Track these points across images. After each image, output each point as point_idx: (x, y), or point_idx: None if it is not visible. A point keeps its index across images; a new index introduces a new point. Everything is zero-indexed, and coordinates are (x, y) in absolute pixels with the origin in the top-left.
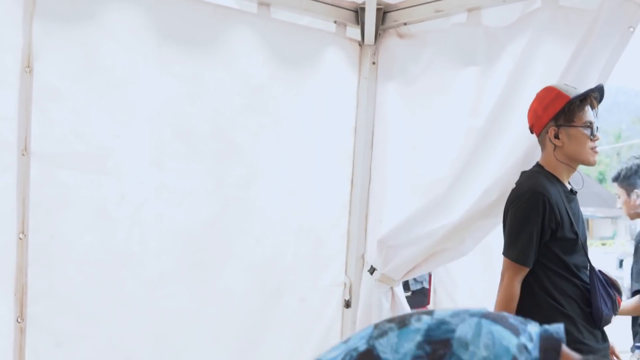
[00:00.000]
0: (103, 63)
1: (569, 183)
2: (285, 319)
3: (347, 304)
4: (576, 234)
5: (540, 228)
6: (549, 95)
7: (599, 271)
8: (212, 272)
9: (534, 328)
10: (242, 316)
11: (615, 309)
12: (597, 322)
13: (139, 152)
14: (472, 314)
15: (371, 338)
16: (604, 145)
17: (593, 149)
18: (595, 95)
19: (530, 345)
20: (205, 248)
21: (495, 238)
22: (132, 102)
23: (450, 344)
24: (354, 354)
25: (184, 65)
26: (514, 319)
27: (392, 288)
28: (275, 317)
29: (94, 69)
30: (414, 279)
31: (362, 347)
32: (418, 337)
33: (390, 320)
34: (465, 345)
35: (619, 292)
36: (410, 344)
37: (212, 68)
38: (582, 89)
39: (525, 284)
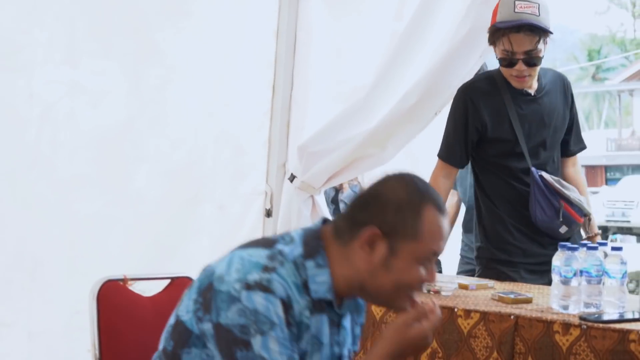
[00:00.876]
0: None
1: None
2: (202, 226)
3: (268, 213)
4: (515, 136)
5: (463, 127)
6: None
7: (540, 176)
8: (126, 176)
9: (296, 231)
10: (157, 222)
11: (560, 217)
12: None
13: (50, 50)
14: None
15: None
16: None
17: (513, 75)
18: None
19: (288, 248)
20: (120, 151)
21: (421, 148)
22: None
23: (212, 285)
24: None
25: None
26: (271, 236)
27: (312, 196)
28: (193, 224)
29: None
30: None
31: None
32: (193, 295)
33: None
34: (221, 279)
35: (570, 203)
36: (189, 302)
37: None
38: None
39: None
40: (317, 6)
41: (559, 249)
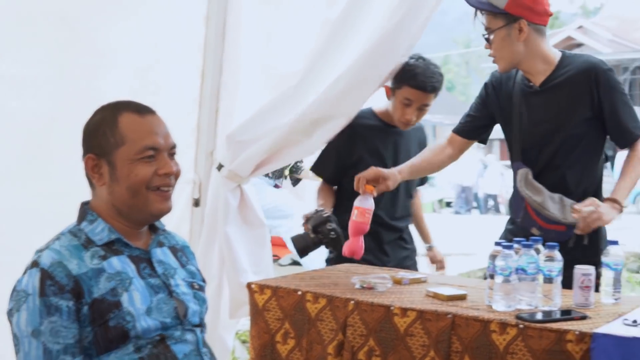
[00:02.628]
0: None
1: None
2: None
3: (196, 203)
4: (511, 133)
5: (478, 106)
6: None
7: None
8: (54, 168)
9: None
10: None
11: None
12: None
13: None
14: None
15: None
16: (452, 52)
17: None
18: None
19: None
20: (46, 142)
21: None
22: None
23: None
24: None
25: None
26: None
27: (240, 186)
28: None
29: None
30: None
31: None
32: None
33: None
34: None
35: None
36: None
37: None
38: None
39: None
40: None
41: (495, 246)
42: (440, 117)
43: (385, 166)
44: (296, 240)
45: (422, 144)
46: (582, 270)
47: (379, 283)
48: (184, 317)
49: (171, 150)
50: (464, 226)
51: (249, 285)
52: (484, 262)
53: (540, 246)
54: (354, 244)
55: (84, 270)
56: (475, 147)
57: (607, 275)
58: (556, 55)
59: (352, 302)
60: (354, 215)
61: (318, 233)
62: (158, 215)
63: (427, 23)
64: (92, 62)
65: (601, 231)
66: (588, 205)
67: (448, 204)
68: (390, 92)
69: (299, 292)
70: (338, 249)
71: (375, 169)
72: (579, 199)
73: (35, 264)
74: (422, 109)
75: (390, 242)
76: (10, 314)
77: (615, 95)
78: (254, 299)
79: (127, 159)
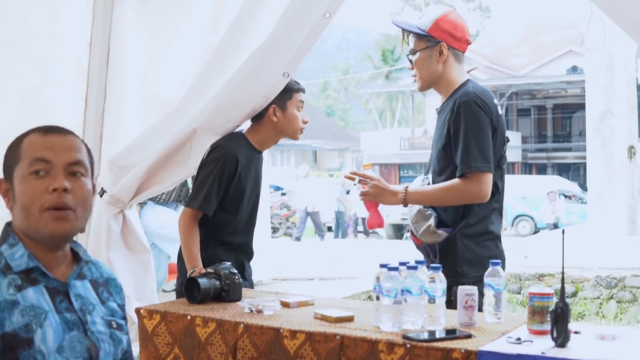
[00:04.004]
0: None
1: None
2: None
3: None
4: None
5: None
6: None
7: None
8: None
9: None
10: None
11: None
12: None
13: None
14: None
15: None
16: (332, 81)
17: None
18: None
19: None
20: None
21: None
22: None
23: None
24: None
25: None
26: None
27: (123, 212)
28: None
29: None
30: None
31: None
32: None
33: None
34: None
35: None
36: None
37: None
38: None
39: None
40: (131, 18)
41: (380, 268)
42: (321, 142)
43: (258, 194)
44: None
45: None
46: (466, 291)
47: (268, 306)
48: (95, 358)
49: (71, 168)
50: (345, 250)
51: (137, 310)
52: (369, 285)
53: (424, 267)
54: (375, 217)
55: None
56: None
57: (489, 295)
58: (460, 82)
59: (242, 325)
60: None
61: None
62: (55, 237)
63: (304, 52)
64: None
65: (456, 251)
66: (375, 180)
67: (330, 229)
68: (279, 109)
69: (189, 317)
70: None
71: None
72: (447, 223)
73: None
74: None
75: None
76: None
77: (463, 126)
78: (143, 324)
79: (20, 176)
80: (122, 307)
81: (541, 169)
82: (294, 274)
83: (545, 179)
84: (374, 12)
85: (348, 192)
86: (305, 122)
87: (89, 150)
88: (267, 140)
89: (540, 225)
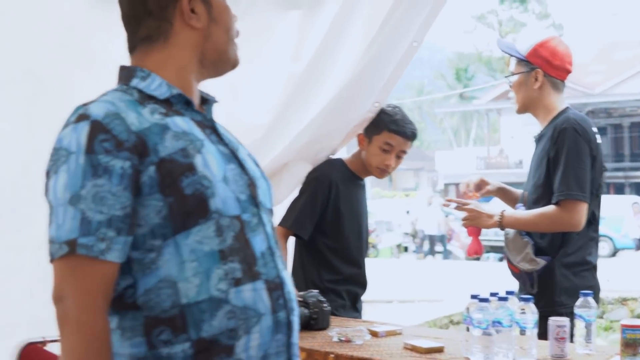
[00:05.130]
0: None
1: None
2: None
3: None
4: None
5: None
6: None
7: None
8: (26, 221)
9: None
10: None
11: None
12: None
13: None
14: None
15: None
16: (406, 99)
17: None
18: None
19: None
20: (18, 196)
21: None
22: None
23: None
24: None
25: None
26: None
27: None
28: None
29: None
30: None
31: None
32: None
33: None
34: None
35: None
36: None
37: (20, 3)
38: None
39: None
40: None
41: (470, 299)
42: None
43: (360, 221)
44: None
45: None
46: (557, 322)
47: (357, 336)
48: (254, 195)
49: None
50: (426, 271)
51: None
52: (450, 309)
53: (514, 298)
54: (475, 244)
55: (145, 126)
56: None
57: (580, 326)
58: (558, 109)
59: (332, 355)
60: None
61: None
62: (234, 66)
63: (393, 81)
64: (60, 115)
65: (554, 280)
66: (471, 204)
67: (406, 249)
68: (367, 140)
69: None
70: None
71: (480, 177)
72: (545, 251)
73: (82, 117)
74: (400, 155)
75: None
76: (47, 178)
77: (561, 154)
78: None
79: None
80: None
81: (619, 189)
82: (372, 295)
83: (623, 199)
84: (447, 30)
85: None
86: (387, 166)
87: None
88: (360, 167)
89: (619, 246)
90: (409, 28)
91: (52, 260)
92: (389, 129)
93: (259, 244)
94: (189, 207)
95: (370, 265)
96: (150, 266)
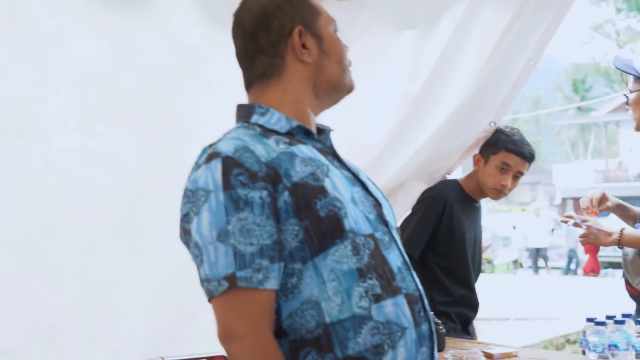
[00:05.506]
0: (28, 22)
1: None
2: None
3: None
4: None
5: None
6: None
7: None
8: (143, 241)
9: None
10: (176, 287)
11: None
12: None
13: (64, 116)
14: None
15: None
16: (523, 113)
17: None
18: None
19: None
20: (137, 216)
21: None
22: (58, 63)
23: None
24: None
25: (112, 25)
26: None
27: None
28: None
29: (18, 28)
30: None
31: None
32: None
33: None
34: None
35: None
36: None
37: (142, 28)
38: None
39: None
40: None
41: (586, 322)
42: None
43: (474, 243)
44: None
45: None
46: None
47: (472, 358)
48: (381, 215)
49: None
50: (542, 288)
51: None
52: (568, 328)
53: (631, 321)
54: (592, 262)
55: (274, 155)
56: (548, 207)
57: None
58: None
59: None
60: None
61: None
62: (350, 91)
63: (510, 101)
64: (177, 137)
65: None
66: (589, 221)
67: (522, 265)
68: (483, 160)
69: None
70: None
71: (602, 191)
72: None
73: (213, 155)
74: (517, 176)
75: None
76: (185, 220)
77: None
78: None
79: (324, 25)
80: None
81: None
82: (488, 313)
83: None
84: (563, 41)
85: (553, 230)
86: (503, 186)
87: None
88: (475, 188)
89: None
90: (525, 47)
91: (211, 299)
92: (507, 149)
93: (394, 259)
94: (324, 228)
95: (486, 281)
96: (293, 290)
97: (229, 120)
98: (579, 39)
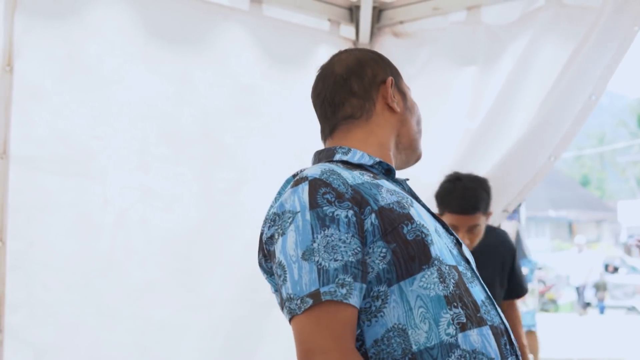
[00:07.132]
0: (87, 61)
1: None
2: (278, 330)
3: None
4: None
5: None
6: None
7: None
8: (199, 280)
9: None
10: (231, 327)
11: None
12: None
13: (123, 155)
14: None
15: None
16: (587, 149)
17: None
18: None
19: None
20: (193, 255)
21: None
22: (117, 102)
23: None
24: None
25: (171, 64)
26: None
27: None
28: (268, 328)
29: (77, 67)
30: None
31: None
32: None
33: None
34: None
35: None
36: None
37: (201, 67)
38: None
39: None
40: None
41: None
42: (576, 214)
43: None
44: None
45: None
46: None
47: None
48: (462, 254)
49: None
50: (608, 328)
51: None
52: None
53: None
54: None
55: (359, 181)
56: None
57: None
58: None
59: None
60: None
61: None
62: (418, 158)
63: (571, 135)
64: (235, 176)
65: None
66: None
67: (588, 304)
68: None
69: None
70: None
71: None
72: None
73: (300, 180)
74: (472, 230)
75: None
76: (269, 243)
77: None
78: None
79: (402, 88)
80: None
81: None
82: (553, 354)
83: None
84: (628, 76)
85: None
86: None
87: None
88: None
89: None
90: (587, 82)
91: (292, 318)
92: (449, 211)
93: (477, 293)
94: (412, 252)
95: (550, 321)
96: (377, 314)
97: (285, 158)
98: None
